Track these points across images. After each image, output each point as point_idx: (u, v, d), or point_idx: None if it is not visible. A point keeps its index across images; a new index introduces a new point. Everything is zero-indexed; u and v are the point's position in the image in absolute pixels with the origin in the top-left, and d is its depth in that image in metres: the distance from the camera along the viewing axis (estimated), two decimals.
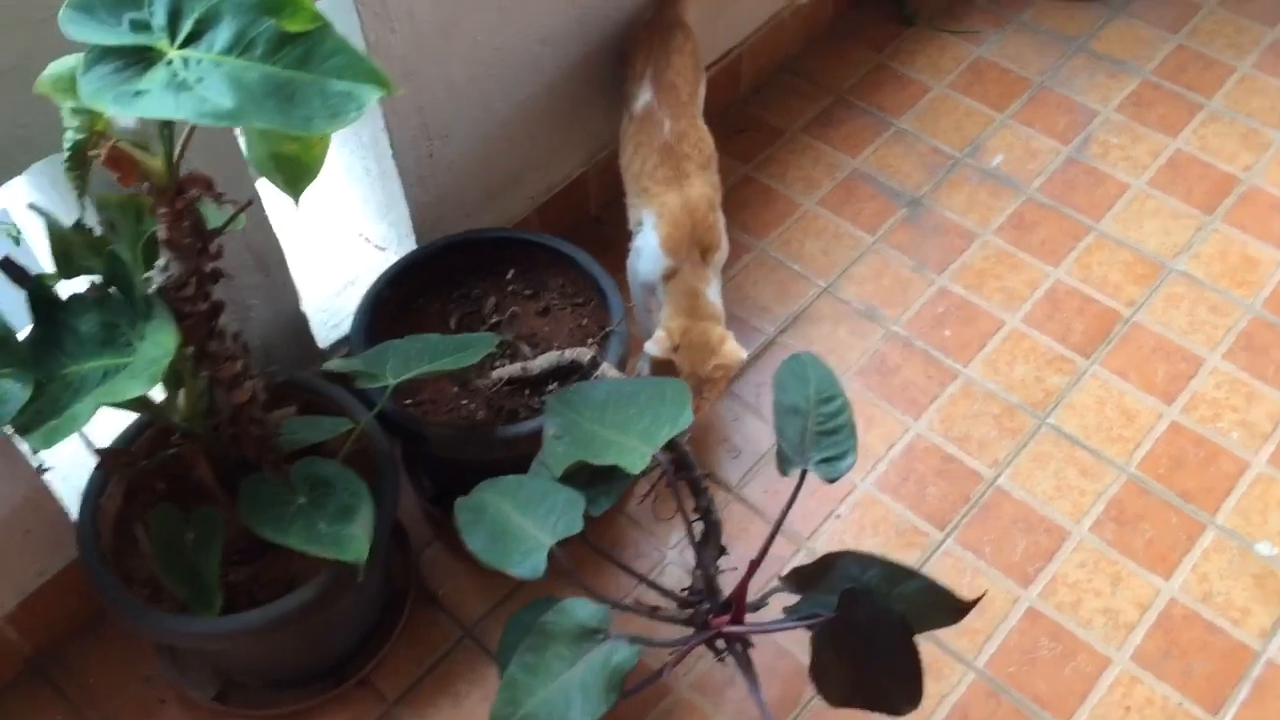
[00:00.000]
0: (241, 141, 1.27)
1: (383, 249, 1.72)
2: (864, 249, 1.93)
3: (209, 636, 1.23)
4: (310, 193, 1.66)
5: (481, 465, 1.39)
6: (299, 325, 1.55)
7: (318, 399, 1.40)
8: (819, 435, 1.25)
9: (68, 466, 1.44)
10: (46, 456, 1.17)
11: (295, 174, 1.07)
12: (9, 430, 1.02)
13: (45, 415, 1.04)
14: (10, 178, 1.12)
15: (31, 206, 1.10)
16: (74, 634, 1.49)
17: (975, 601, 1.14)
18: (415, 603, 1.52)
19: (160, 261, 1.02)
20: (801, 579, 1.18)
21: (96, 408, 1.02)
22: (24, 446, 1.32)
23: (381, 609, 1.49)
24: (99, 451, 1.22)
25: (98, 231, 1.13)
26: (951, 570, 1.55)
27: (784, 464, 1.22)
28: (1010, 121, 2.11)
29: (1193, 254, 1.90)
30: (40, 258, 1.38)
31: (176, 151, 0.97)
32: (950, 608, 1.15)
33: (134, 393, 1.01)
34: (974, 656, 1.49)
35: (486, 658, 1.49)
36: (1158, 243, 1.92)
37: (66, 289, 1.11)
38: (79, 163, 0.97)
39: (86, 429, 1.03)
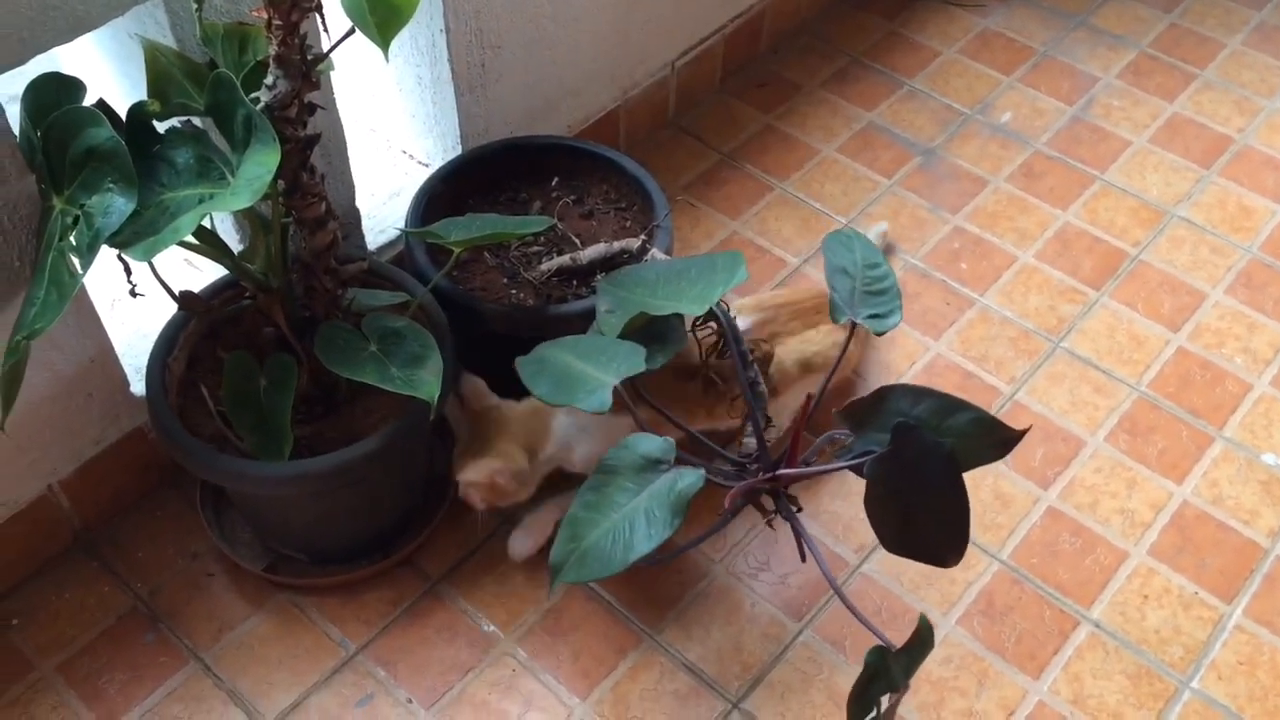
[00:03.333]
0: None
1: (425, 165, 1.78)
2: (881, 191, 2.01)
3: (279, 480, 1.26)
4: (356, 106, 1.72)
5: (530, 349, 1.44)
6: (353, 219, 1.60)
7: (376, 279, 1.44)
8: (866, 295, 1.31)
9: (127, 342, 1.48)
10: (136, 284, 1.20)
11: (388, 17, 1.12)
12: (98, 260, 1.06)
13: (144, 233, 1.08)
14: (114, 16, 1.17)
15: (134, 36, 1.15)
16: (122, 513, 1.52)
17: (1024, 432, 1.20)
18: (457, 492, 1.55)
19: (268, 80, 1.08)
20: (855, 414, 1.23)
21: (200, 219, 1.07)
22: (98, 303, 1.36)
23: (425, 495, 1.52)
24: (179, 294, 1.26)
25: None
26: (973, 473, 1.61)
27: (835, 313, 1.29)
28: (1017, 84, 2.21)
29: (1193, 202, 2.00)
30: None
31: None
32: (999, 440, 1.20)
33: (237, 206, 1.06)
34: (998, 549, 1.54)
35: None
36: (1160, 192, 2.02)
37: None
38: None
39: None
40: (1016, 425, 1.20)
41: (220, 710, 1.36)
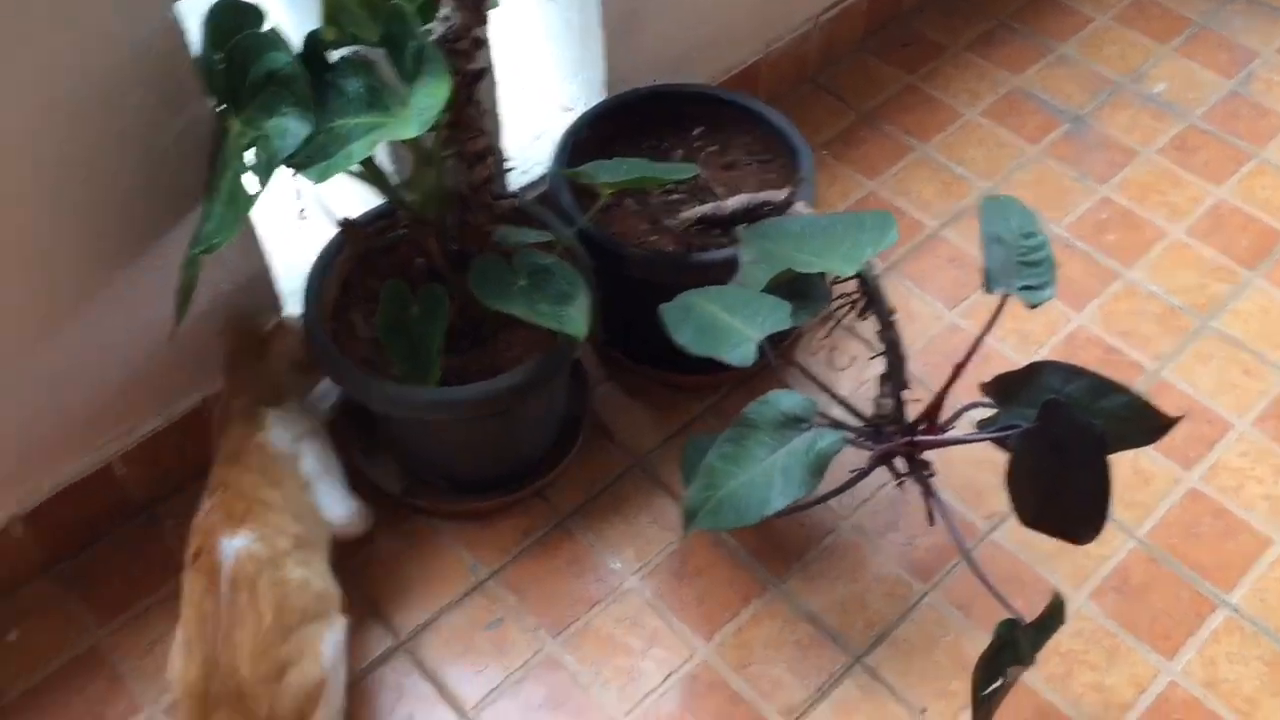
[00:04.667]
0: None
1: (569, 109, 1.79)
2: (1026, 158, 1.96)
3: (428, 405, 1.30)
4: (501, 48, 1.74)
5: (669, 296, 1.44)
6: (498, 158, 1.62)
7: (523, 217, 1.46)
8: (1021, 265, 1.29)
9: (281, 266, 1.53)
10: (305, 208, 1.25)
11: None
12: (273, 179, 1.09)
13: (318, 157, 1.12)
14: None
15: None
16: None
17: (1177, 419, 1.17)
18: (589, 432, 1.57)
19: (442, 12, 1.10)
20: (1004, 387, 1.22)
21: (372, 146, 1.10)
22: (258, 224, 1.40)
23: (558, 433, 1.55)
24: (340, 221, 1.30)
25: None
26: None
27: (989, 283, 1.26)
28: (1172, 54, 2.13)
29: None
30: None
31: None
32: (1151, 426, 1.18)
33: (407, 135, 1.08)
34: (1136, 526, 1.51)
35: (656, 486, 1.54)
36: None
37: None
38: None
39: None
40: (1160, 404, 1.18)
41: (356, 621, 1.41)
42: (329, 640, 1.24)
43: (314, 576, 1.26)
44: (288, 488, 1.30)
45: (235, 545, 1.21)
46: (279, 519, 1.25)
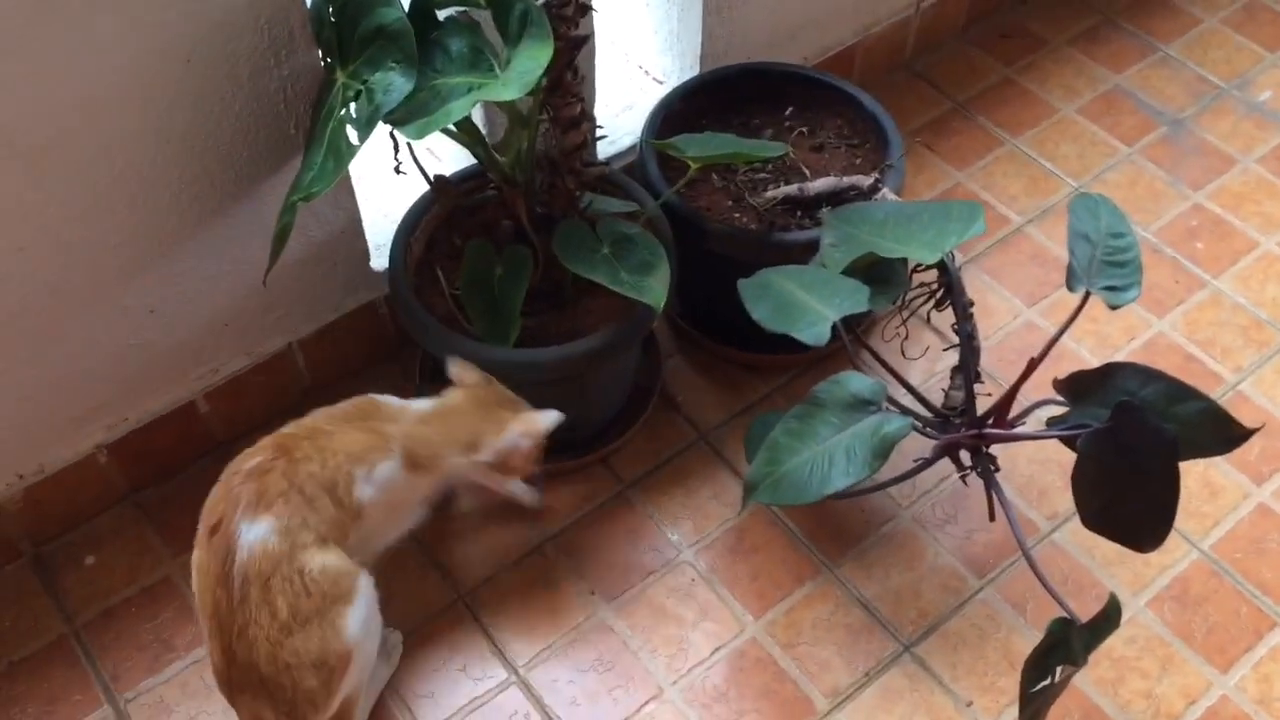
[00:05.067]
0: None
1: (660, 82, 1.80)
2: (1119, 158, 1.93)
3: (507, 364, 1.32)
4: (597, 18, 1.75)
5: (749, 273, 1.45)
6: (591, 125, 1.64)
7: (609, 186, 1.48)
8: (1106, 264, 1.27)
9: (368, 220, 1.57)
10: (401, 162, 1.28)
11: None
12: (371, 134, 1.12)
13: (418, 114, 1.14)
14: None
15: None
16: (349, 377, 1.61)
17: (1255, 430, 1.16)
18: (657, 404, 1.60)
19: None
20: (1077, 386, 1.21)
21: (471, 106, 1.12)
22: (353, 177, 1.44)
23: (626, 402, 1.57)
24: (433, 178, 1.33)
25: None
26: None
27: (1072, 280, 1.26)
28: None
29: None
30: None
31: None
32: (1227, 436, 1.17)
33: (507, 96, 1.11)
34: (1200, 538, 1.49)
35: (719, 462, 1.56)
36: None
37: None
38: None
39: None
40: (1236, 417, 1.16)
41: (418, 572, 1.45)
42: (352, 616, 1.16)
43: (332, 559, 1.16)
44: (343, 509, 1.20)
45: (253, 537, 1.13)
46: (311, 515, 1.16)
